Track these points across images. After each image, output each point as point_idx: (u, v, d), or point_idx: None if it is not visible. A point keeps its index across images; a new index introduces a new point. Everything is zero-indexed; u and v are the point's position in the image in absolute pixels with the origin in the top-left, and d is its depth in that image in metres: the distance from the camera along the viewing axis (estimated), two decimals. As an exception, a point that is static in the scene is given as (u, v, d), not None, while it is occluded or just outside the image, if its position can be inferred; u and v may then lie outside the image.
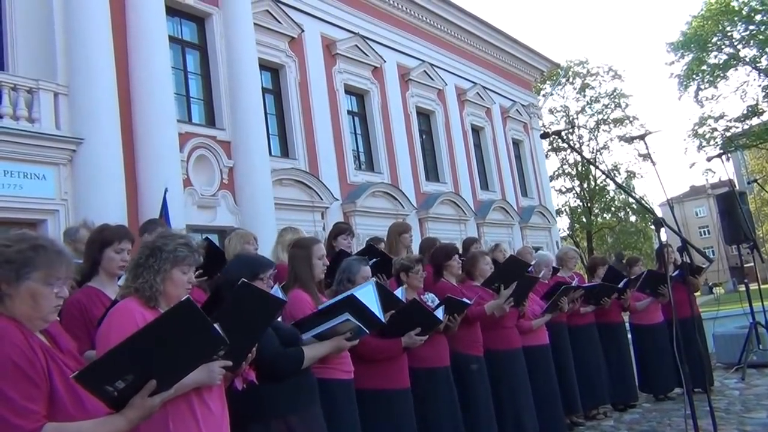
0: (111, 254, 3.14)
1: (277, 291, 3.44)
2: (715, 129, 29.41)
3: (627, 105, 36.09)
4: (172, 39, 10.98)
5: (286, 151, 13.30)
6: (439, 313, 4.21)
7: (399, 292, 3.93)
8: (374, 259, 4.68)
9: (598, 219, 36.65)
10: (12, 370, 1.68)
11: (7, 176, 8.48)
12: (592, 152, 35.52)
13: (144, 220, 7.97)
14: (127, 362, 1.75)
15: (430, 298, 4.60)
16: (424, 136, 17.68)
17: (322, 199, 13.21)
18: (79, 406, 1.79)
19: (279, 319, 3.45)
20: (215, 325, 2.03)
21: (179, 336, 1.82)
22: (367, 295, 3.22)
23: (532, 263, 6.33)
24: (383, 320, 3.27)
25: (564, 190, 36.84)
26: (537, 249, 9.96)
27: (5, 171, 8.47)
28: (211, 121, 11.47)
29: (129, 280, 2.38)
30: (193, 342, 1.87)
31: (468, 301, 4.58)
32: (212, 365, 2.23)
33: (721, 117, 29.37)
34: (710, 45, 28.21)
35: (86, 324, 2.90)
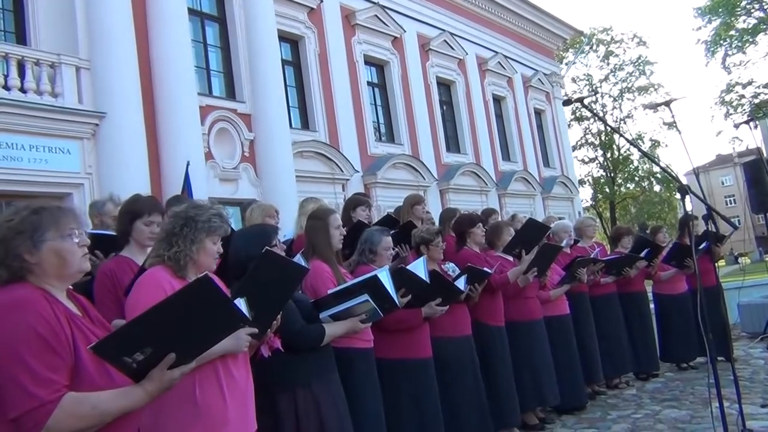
0: (140, 226, 3.19)
1: (299, 260, 3.46)
2: (742, 96, 28.78)
3: (652, 72, 35.42)
4: (192, 11, 10.96)
5: (306, 123, 13.30)
6: (461, 283, 4.22)
7: (422, 262, 3.91)
8: (394, 230, 4.69)
9: (622, 189, 36.22)
10: (35, 339, 1.70)
11: (33, 150, 8.61)
12: (616, 121, 34.97)
13: (167, 193, 8.07)
14: (145, 335, 1.76)
15: (451, 268, 4.60)
16: (444, 107, 17.54)
17: (342, 171, 13.22)
18: (106, 375, 1.80)
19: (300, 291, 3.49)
20: (239, 301, 2.04)
21: (198, 312, 1.83)
22: (383, 277, 3.22)
23: (551, 227, 6.28)
24: (399, 305, 3.29)
25: (587, 160, 36.44)
26: (561, 220, 9.87)
27: (31, 145, 8.59)
28: (231, 93, 11.48)
29: (161, 248, 2.40)
30: (212, 318, 1.89)
31: (488, 270, 4.57)
32: (239, 333, 2.24)
33: (750, 83, 28.71)
34: (739, 9, 27.45)
35: (116, 293, 2.96)
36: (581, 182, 32.35)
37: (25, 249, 1.81)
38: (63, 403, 1.68)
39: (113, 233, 3.40)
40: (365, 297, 3.09)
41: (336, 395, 3.05)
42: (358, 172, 13.68)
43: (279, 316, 2.63)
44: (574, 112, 32.89)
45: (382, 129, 15.58)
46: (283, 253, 3.00)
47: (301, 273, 2.82)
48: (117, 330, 1.81)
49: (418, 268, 3.84)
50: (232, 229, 4.05)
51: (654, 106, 33.34)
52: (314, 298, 3.24)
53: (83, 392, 1.74)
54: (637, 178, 36.20)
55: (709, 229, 7.07)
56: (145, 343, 1.76)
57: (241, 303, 2.10)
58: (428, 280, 3.80)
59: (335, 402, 3.01)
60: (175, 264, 2.35)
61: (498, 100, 19.74)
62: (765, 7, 27.33)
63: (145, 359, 1.77)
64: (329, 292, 3.24)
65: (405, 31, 15.96)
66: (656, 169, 33.11)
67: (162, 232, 2.46)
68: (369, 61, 15.28)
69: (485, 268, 4.57)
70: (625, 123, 35.41)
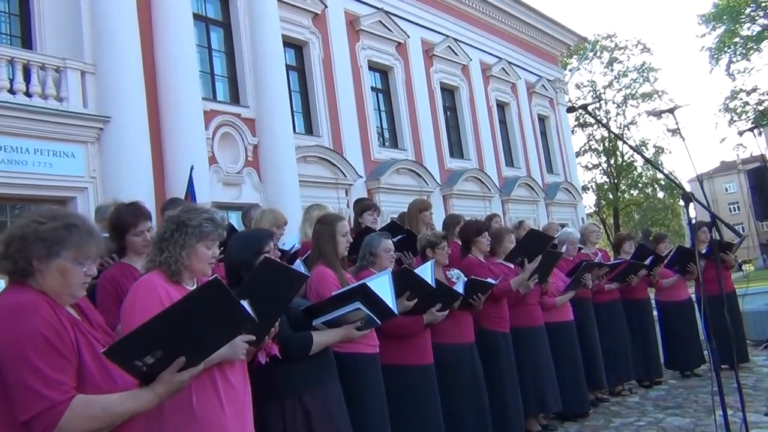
0: (131, 239, 3.22)
1: (299, 266, 3.45)
2: (747, 103, 28.81)
3: (656, 79, 35.50)
4: (197, 16, 10.99)
5: (310, 129, 13.31)
6: (459, 287, 4.20)
7: (429, 266, 3.90)
8: (399, 236, 4.69)
9: (625, 195, 36.19)
10: (41, 342, 1.71)
11: (38, 154, 8.63)
12: (620, 128, 34.96)
13: (171, 198, 8.07)
14: (156, 339, 1.78)
15: (455, 274, 4.60)
16: (448, 113, 17.55)
17: (346, 176, 13.23)
18: (109, 379, 1.82)
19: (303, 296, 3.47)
20: (244, 303, 2.05)
21: (208, 314, 1.85)
22: (382, 285, 3.16)
23: (555, 237, 6.28)
24: (396, 312, 3.22)
25: (590, 166, 36.43)
26: (563, 226, 9.86)
27: (35, 149, 8.61)
28: (235, 98, 11.51)
29: (154, 254, 2.39)
30: (221, 320, 1.90)
31: (492, 281, 4.57)
32: (236, 340, 2.23)
33: (754, 90, 28.73)
34: (743, 16, 27.50)
35: (119, 298, 2.97)
36: (585, 188, 32.36)
37: (36, 255, 1.83)
38: (73, 405, 1.70)
39: None
40: (357, 305, 3.03)
41: (333, 407, 2.95)
42: (361, 177, 13.69)
43: (277, 323, 2.61)
44: (577, 119, 32.89)
45: (386, 134, 15.59)
46: (276, 256, 2.99)
47: (301, 280, 2.80)
48: (129, 334, 1.82)
49: (426, 272, 3.84)
50: (234, 230, 4.06)
51: (658, 114, 33.30)
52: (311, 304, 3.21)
53: (91, 394, 1.76)
54: (640, 185, 36.18)
55: (713, 236, 7.06)
56: (156, 347, 1.77)
57: (245, 304, 2.10)
58: (434, 285, 3.79)
59: (330, 415, 2.91)
60: (167, 269, 2.34)
61: (501, 106, 19.74)
62: (769, 14, 27.34)
63: (155, 362, 1.79)
64: (322, 299, 3.20)
65: (409, 37, 15.99)
66: (660, 175, 33.10)
67: (155, 237, 2.45)
68: (373, 67, 15.30)
69: (489, 279, 4.57)
70: (628, 129, 35.44)
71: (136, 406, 1.80)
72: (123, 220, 3.25)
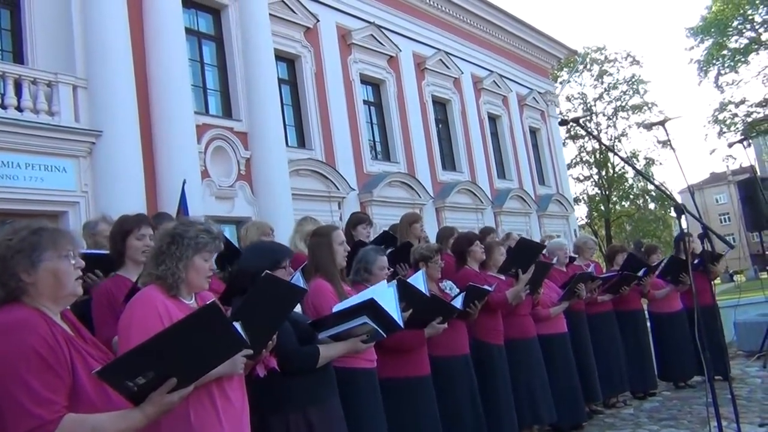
0: (133, 242, 3.22)
1: (298, 279, 3.45)
2: (735, 114, 29.00)
3: (645, 91, 35.70)
4: (189, 31, 11.00)
5: (302, 142, 13.32)
6: (458, 302, 4.21)
7: (420, 276, 3.91)
8: (390, 249, 4.70)
9: (617, 207, 36.35)
10: (34, 359, 1.70)
11: (29, 169, 8.59)
12: (611, 140, 35.16)
13: (158, 212, 8.04)
14: (148, 360, 1.77)
15: (448, 286, 4.61)
16: (440, 125, 17.61)
17: (338, 189, 13.23)
18: (104, 396, 1.81)
19: (299, 310, 3.47)
20: (237, 325, 2.04)
21: (202, 337, 1.85)
22: (388, 296, 3.17)
23: (545, 245, 6.33)
24: (402, 325, 3.23)
25: (582, 178, 36.59)
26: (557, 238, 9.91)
27: (27, 164, 8.57)
28: (228, 112, 11.51)
29: (151, 267, 2.37)
30: (215, 343, 1.90)
31: (489, 288, 4.58)
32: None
33: (742, 102, 28.93)
34: (731, 29, 27.76)
35: (114, 311, 2.96)
36: (576, 200, 32.47)
37: (22, 268, 1.82)
38: (63, 424, 1.69)
39: (108, 252, 3.40)
40: (363, 319, 3.02)
41: (334, 421, 2.95)
42: (354, 190, 13.70)
43: (275, 336, 2.61)
44: (568, 131, 33.09)
45: (378, 147, 15.62)
46: (289, 273, 2.98)
47: (299, 294, 2.80)
48: (122, 355, 1.82)
49: (417, 281, 3.84)
50: (232, 244, 4.04)
51: (649, 126, 33.56)
52: (315, 318, 3.21)
53: (82, 413, 1.74)
54: (632, 196, 36.35)
55: (705, 247, 7.11)
56: (147, 368, 1.76)
57: (238, 326, 2.09)
58: (428, 294, 3.80)
59: (332, 429, 2.92)
60: (164, 283, 2.32)
61: (493, 119, 19.83)
62: (756, 27, 27.64)
63: (146, 383, 1.78)
64: (333, 310, 3.19)
65: (401, 51, 16.07)
66: (651, 187, 33.28)
67: (152, 250, 2.44)
68: (365, 80, 15.35)
69: (485, 287, 4.58)
70: (619, 141, 35.63)
71: (126, 426, 1.79)
72: (126, 222, 3.30)
